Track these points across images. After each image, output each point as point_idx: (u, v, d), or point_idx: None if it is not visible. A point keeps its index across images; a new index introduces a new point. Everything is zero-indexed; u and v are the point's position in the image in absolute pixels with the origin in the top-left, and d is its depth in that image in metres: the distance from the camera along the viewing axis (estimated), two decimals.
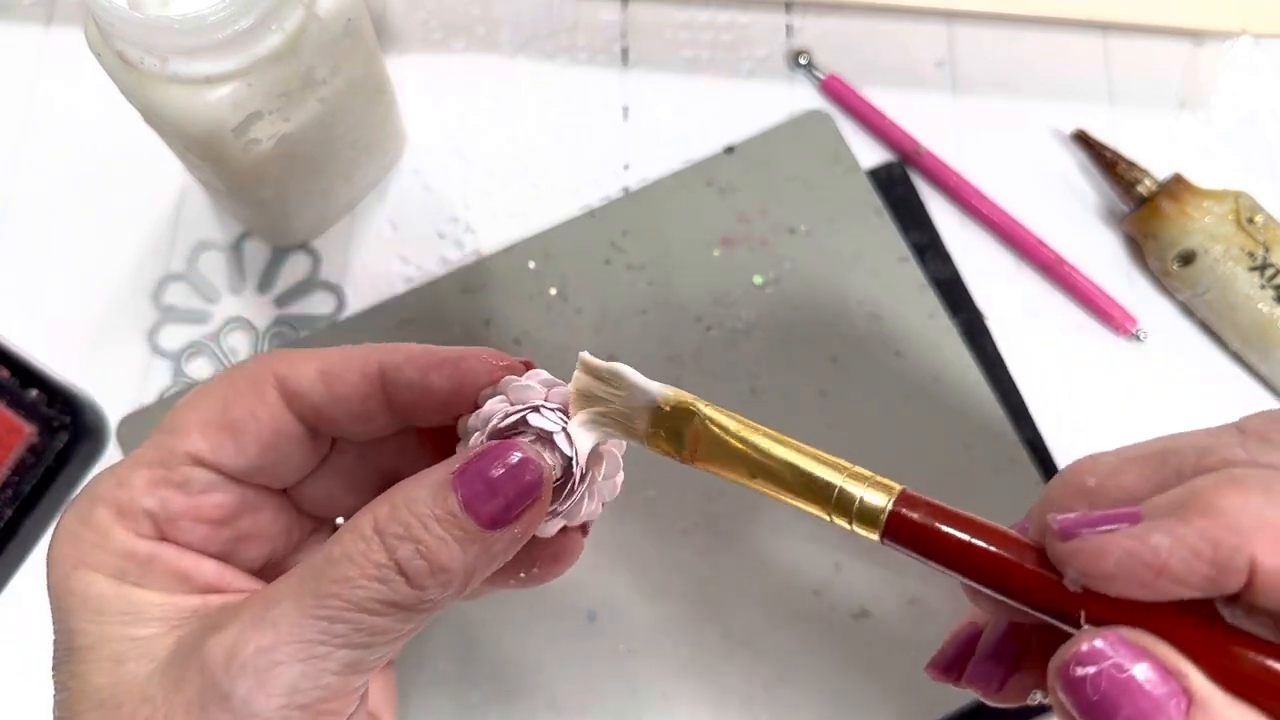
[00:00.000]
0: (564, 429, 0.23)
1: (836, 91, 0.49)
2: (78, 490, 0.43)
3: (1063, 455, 0.44)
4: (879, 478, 0.23)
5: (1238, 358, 0.46)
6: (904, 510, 0.22)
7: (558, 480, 0.23)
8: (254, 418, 0.24)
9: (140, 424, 0.43)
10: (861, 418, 0.43)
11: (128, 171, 0.46)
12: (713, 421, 0.23)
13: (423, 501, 0.22)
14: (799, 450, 0.23)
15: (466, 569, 0.22)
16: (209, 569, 0.24)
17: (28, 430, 0.42)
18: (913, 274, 0.45)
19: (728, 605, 0.41)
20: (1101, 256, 0.47)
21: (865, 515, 0.22)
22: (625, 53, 0.50)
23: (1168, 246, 0.45)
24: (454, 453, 0.24)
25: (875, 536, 0.22)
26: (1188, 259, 0.44)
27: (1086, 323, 0.46)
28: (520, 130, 0.48)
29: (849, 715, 0.40)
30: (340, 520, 0.28)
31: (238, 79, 0.34)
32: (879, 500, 0.22)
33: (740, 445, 0.23)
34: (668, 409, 0.23)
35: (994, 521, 0.22)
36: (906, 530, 0.22)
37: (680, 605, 0.41)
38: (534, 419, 0.23)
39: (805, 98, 0.49)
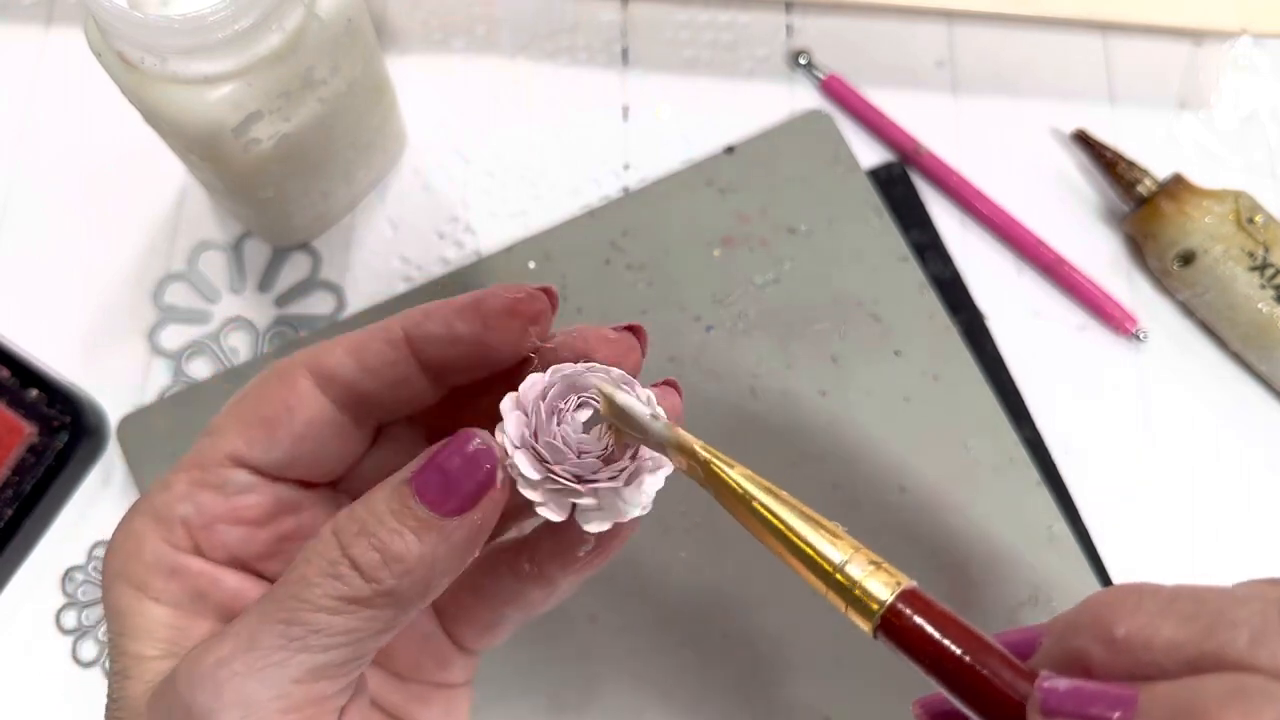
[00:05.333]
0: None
1: (836, 91, 0.49)
2: (78, 490, 0.43)
3: (1063, 455, 0.44)
4: (888, 566, 0.21)
5: (1238, 358, 0.46)
6: (906, 609, 0.20)
7: (608, 454, 0.23)
8: (286, 409, 0.24)
9: (140, 424, 0.43)
10: (861, 418, 0.43)
11: (128, 171, 0.46)
12: (715, 467, 0.22)
13: (380, 499, 0.22)
14: (805, 517, 0.21)
15: (423, 558, 0.21)
16: (230, 584, 0.24)
17: (28, 430, 0.42)
18: (913, 274, 0.45)
19: (728, 605, 0.41)
20: (1101, 256, 0.47)
21: (861, 604, 0.20)
22: (625, 53, 0.50)
23: (1168, 246, 0.45)
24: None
25: (867, 627, 0.21)
26: (1188, 259, 0.44)
27: (1086, 323, 0.46)
28: (520, 130, 0.48)
29: (849, 715, 0.40)
30: None
31: (238, 79, 0.34)
32: (881, 591, 0.20)
33: (745, 498, 0.22)
34: (672, 451, 0.23)
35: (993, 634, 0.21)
36: (903, 630, 0.20)
37: (680, 605, 0.41)
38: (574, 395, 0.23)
39: (805, 98, 0.49)
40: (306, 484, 0.25)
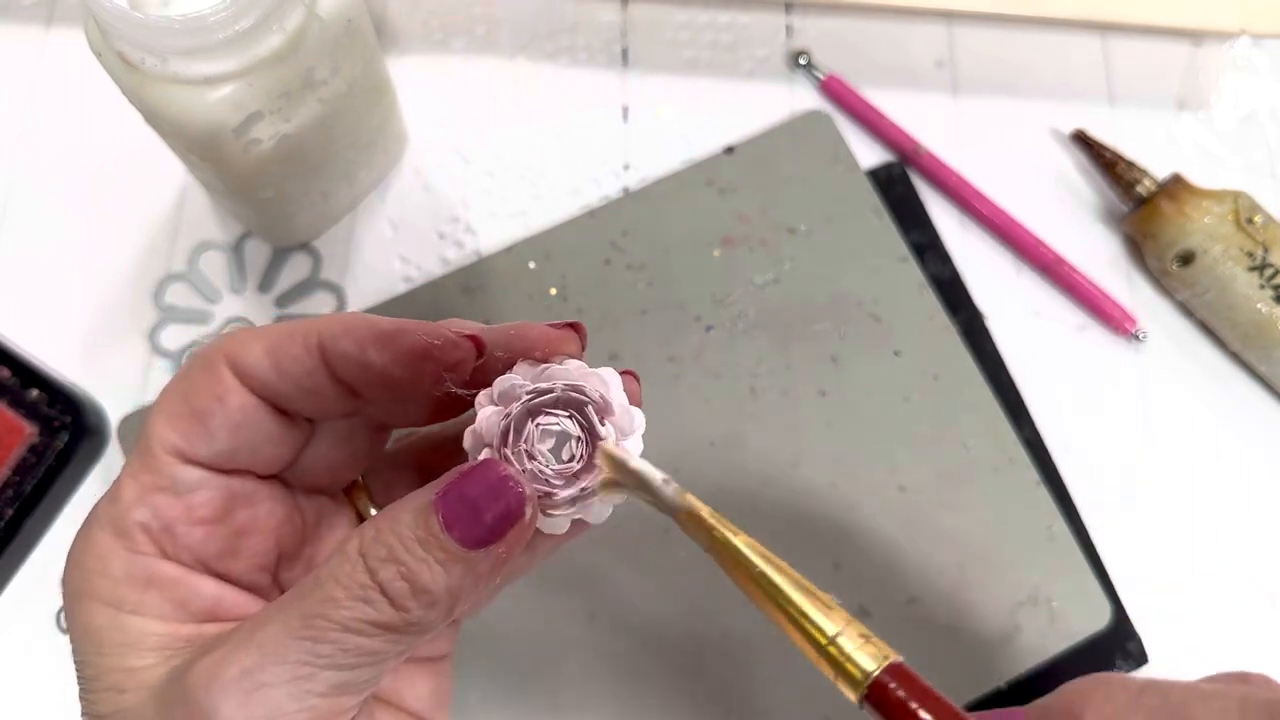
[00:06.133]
0: (579, 435, 0.23)
1: (836, 91, 0.49)
2: (78, 490, 0.43)
3: (1062, 455, 0.44)
4: (876, 639, 0.22)
5: (1237, 358, 0.46)
6: (890, 682, 0.22)
7: (573, 469, 0.23)
8: (216, 400, 0.23)
9: (141, 424, 0.43)
10: (861, 418, 0.43)
11: (128, 171, 0.46)
12: (721, 537, 0.23)
13: (405, 523, 0.21)
14: (802, 589, 0.23)
15: (450, 590, 0.21)
16: (207, 591, 0.24)
17: (28, 430, 0.42)
18: (913, 274, 0.45)
19: (728, 605, 0.41)
20: (1101, 256, 0.47)
21: (849, 675, 0.22)
22: (625, 53, 0.50)
23: (1167, 246, 0.45)
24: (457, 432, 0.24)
25: (854, 697, 0.22)
26: (1187, 259, 0.44)
27: (1086, 323, 0.46)
28: (520, 130, 0.48)
29: (848, 715, 0.40)
30: (372, 509, 0.28)
31: (238, 79, 0.34)
32: (868, 664, 0.22)
33: (748, 567, 0.23)
34: (682, 516, 0.23)
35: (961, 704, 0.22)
36: (887, 702, 0.22)
37: (680, 605, 0.41)
38: (537, 421, 0.23)
39: (805, 98, 0.49)
40: (254, 475, 0.25)
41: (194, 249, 0.46)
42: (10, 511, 0.41)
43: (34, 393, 0.42)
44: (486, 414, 0.23)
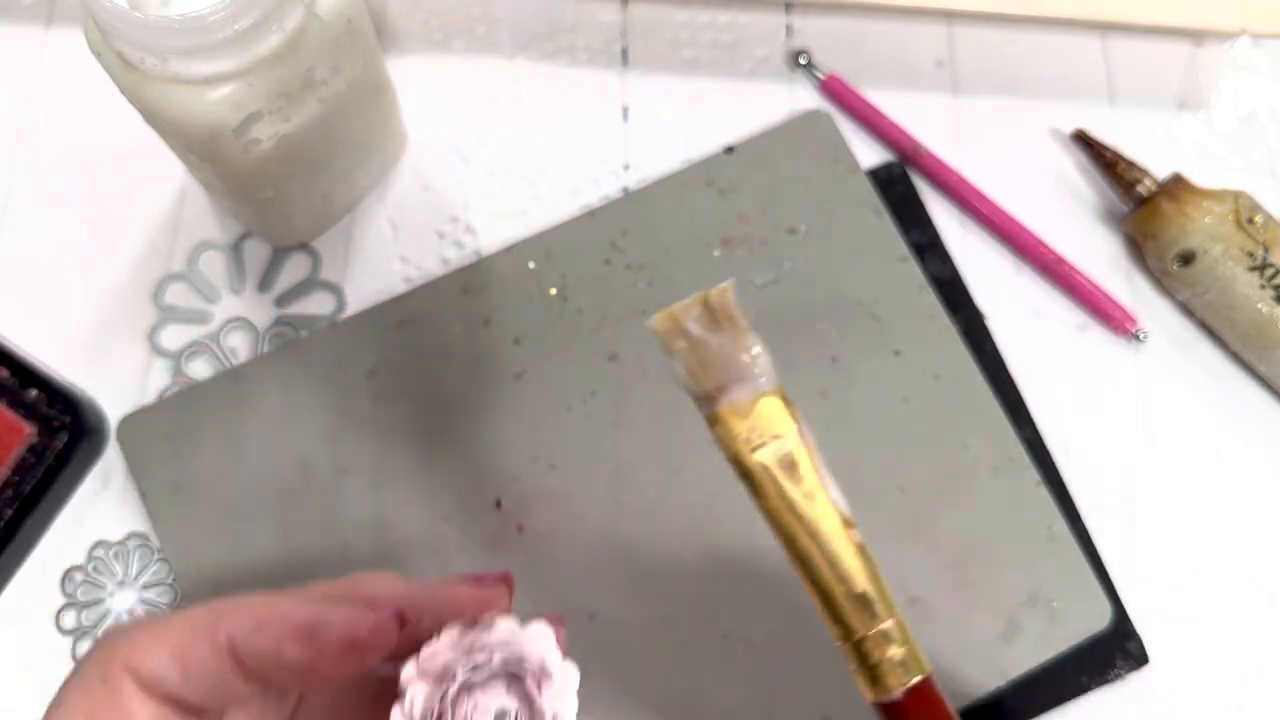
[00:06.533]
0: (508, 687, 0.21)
1: (836, 91, 0.49)
2: (78, 490, 0.43)
3: (1063, 455, 0.44)
4: (917, 648, 0.21)
5: (1237, 358, 0.46)
6: (916, 697, 0.20)
7: None
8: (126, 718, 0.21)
9: (140, 424, 0.43)
10: (861, 418, 0.43)
11: (128, 171, 0.46)
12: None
13: None
14: (858, 559, 0.21)
15: None
16: None
17: (28, 430, 0.42)
18: (913, 274, 0.45)
19: (727, 605, 0.41)
20: (1101, 256, 0.47)
21: (877, 674, 0.20)
22: (625, 53, 0.50)
23: (1167, 246, 0.45)
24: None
25: (869, 695, 0.21)
26: (1187, 259, 0.44)
27: (1086, 323, 0.46)
28: (520, 130, 0.48)
29: (849, 715, 0.40)
30: None
31: (238, 79, 0.34)
32: (901, 674, 0.20)
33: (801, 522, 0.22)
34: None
35: None
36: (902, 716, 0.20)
37: (680, 605, 0.41)
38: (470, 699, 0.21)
39: (805, 98, 0.49)
40: None
41: (194, 249, 0.46)
42: (10, 511, 0.41)
43: (33, 393, 0.42)
44: (416, 692, 0.21)
